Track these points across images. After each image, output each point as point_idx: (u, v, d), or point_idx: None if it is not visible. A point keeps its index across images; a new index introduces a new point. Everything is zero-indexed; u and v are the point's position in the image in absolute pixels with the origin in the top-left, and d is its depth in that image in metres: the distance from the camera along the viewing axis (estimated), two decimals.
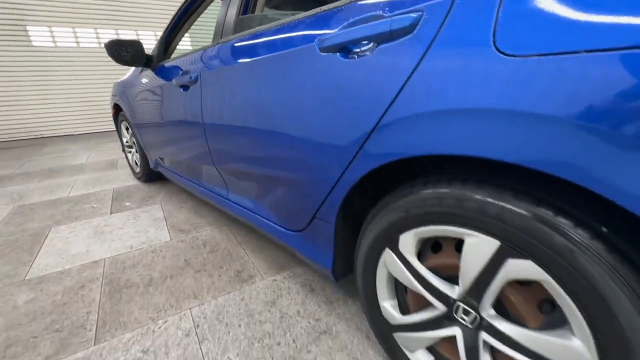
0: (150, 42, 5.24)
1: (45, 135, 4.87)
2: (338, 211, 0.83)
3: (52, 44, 4.65)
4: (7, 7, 4.25)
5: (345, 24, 0.70)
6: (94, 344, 0.97)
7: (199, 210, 1.95)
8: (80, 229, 1.75)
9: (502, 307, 0.60)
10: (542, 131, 0.43)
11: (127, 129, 2.45)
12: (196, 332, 1.00)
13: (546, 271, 0.49)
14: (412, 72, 0.57)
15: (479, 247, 0.56)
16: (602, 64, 0.38)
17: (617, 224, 0.46)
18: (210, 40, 1.78)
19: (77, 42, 4.80)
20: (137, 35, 5.19)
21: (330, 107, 0.73)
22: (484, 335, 0.61)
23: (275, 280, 1.26)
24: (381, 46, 0.63)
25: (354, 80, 0.68)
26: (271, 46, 0.91)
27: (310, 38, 0.78)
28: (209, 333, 1.00)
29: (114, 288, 1.24)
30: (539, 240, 0.48)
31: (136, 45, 1.69)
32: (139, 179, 2.57)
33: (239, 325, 1.03)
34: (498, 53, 0.46)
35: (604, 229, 0.46)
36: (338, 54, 0.71)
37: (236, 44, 1.08)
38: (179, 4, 5.34)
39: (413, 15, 0.57)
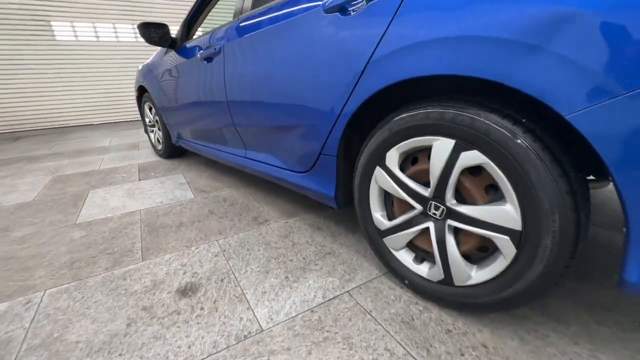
0: None
1: (69, 125, 5.17)
2: (339, 144, 1.03)
3: (74, 39, 4.94)
4: (33, 3, 4.54)
5: None
6: (142, 260, 1.20)
7: (217, 177, 2.17)
8: (115, 191, 1.99)
9: (460, 197, 0.80)
10: (474, 48, 0.63)
11: (150, 109, 2.69)
12: (223, 254, 1.22)
13: (488, 157, 0.69)
14: (391, 20, 0.77)
15: (442, 147, 0.76)
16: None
17: (535, 121, 0.66)
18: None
19: (97, 37, 5.08)
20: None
21: (335, 54, 0.93)
22: (449, 221, 0.81)
23: (287, 222, 1.47)
24: (369, 4, 0.83)
25: (351, 31, 0.88)
26: (284, 15, 1.12)
27: (315, 4, 0.98)
28: (233, 254, 1.22)
29: (151, 228, 1.46)
30: (482, 133, 0.68)
31: (164, 27, 1.92)
32: (160, 155, 2.81)
33: (258, 250, 1.24)
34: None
35: (523, 120, 0.65)
36: (338, 13, 0.91)
37: (254, 18, 1.28)
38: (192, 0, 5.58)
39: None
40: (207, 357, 0.78)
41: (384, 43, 0.79)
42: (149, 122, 2.83)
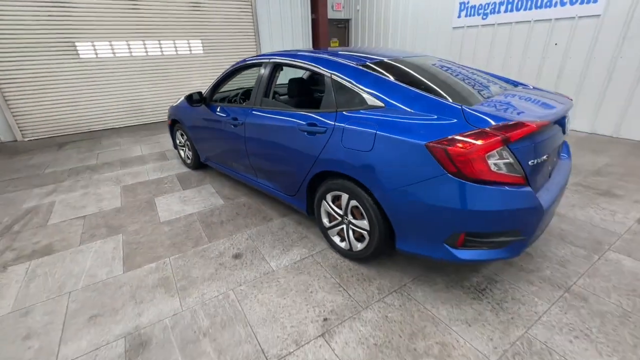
0: (166, 49, 6.36)
1: (95, 129, 6.12)
2: (307, 186, 2.17)
3: (94, 56, 5.79)
4: (60, 28, 5.36)
5: (307, 123, 2.02)
6: (209, 242, 2.35)
7: (236, 187, 3.31)
8: (171, 198, 3.11)
9: (352, 215, 1.97)
10: (347, 161, 1.78)
11: (181, 135, 3.76)
12: (250, 238, 2.38)
13: (358, 202, 1.85)
14: (325, 144, 1.91)
15: (345, 197, 1.92)
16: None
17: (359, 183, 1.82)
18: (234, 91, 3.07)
19: (114, 53, 5.93)
20: (160, 44, 6.29)
21: (305, 149, 2.06)
22: (351, 225, 1.98)
23: (282, 220, 2.64)
24: (318, 134, 1.95)
25: (311, 143, 2.01)
26: (278, 120, 2.23)
27: (295, 123, 2.10)
28: (256, 238, 2.38)
29: (206, 224, 2.61)
30: (349, 190, 1.84)
31: (200, 94, 2.98)
32: (188, 167, 3.90)
33: (268, 236, 2.41)
34: (342, 145, 1.80)
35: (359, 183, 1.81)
36: (305, 132, 2.03)
37: (261, 113, 2.39)
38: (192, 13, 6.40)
39: (324, 128, 1.90)
40: (249, 281, 1.95)
41: (323, 152, 1.93)
42: (180, 143, 3.90)
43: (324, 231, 2.21)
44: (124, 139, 5.50)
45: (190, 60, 6.74)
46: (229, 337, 1.57)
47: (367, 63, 1.98)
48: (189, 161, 3.84)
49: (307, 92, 2.82)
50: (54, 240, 2.45)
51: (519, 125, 1.42)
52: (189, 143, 3.65)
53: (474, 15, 5.77)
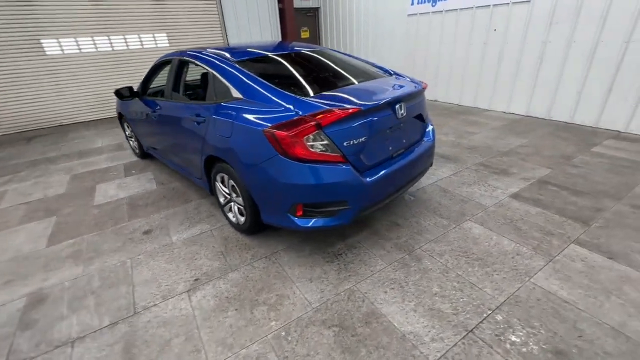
0: (137, 42, 6.58)
1: (65, 123, 6.42)
2: (205, 170, 2.46)
3: (60, 52, 6.03)
4: (24, 26, 5.60)
5: (195, 114, 2.30)
6: (129, 221, 2.67)
7: (173, 174, 3.61)
8: (111, 185, 3.42)
9: (234, 194, 2.27)
10: (223, 149, 2.07)
11: (127, 126, 4.05)
12: (165, 217, 2.70)
13: (231, 177, 2.16)
14: (206, 131, 2.19)
15: (226, 177, 2.22)
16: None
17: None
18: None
19: (79, 49, 6.17)
20: (125, 38, 6.51)
21: (194, 137, 2.35)
22: (234, 203, 2.28)
23: (200, 201, 2.94)
24: (202, 123, 2.24)
25: (198, 131, 2.29)
26: (179, 111, 2.51)
27: (189, 113, 2.39)
28: (171, 217, 2.70)
29: (131, 207, 2.93)
30: (227, 171, 2.14)
31: (130, 89, 3.25)
32: (137, 156, 4.20)
33: (181, 215, 2.72)
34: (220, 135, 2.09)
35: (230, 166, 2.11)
36: (195, 122, 2.32)
37: (169, 104, 2.67)
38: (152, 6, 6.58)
39: (204, 118, 2.19)
40: (148, 251, 2.27)
41: (206, 139, 2.21)
42: (128, 134, 4.19)
43: (221, 208, 2.51)
44: (90, 131, 5.80)
45: (156, 53, 6.95)
46: (111, 294, 1.90)
47: (241, 59, 2.25)
48: (137, 151, 4.14)
49: (205, 85, 3.11)
50: None
51: (329, 112, 1.70)
52: (133, 134, 3.94)
53: (425, 2, 5.91)
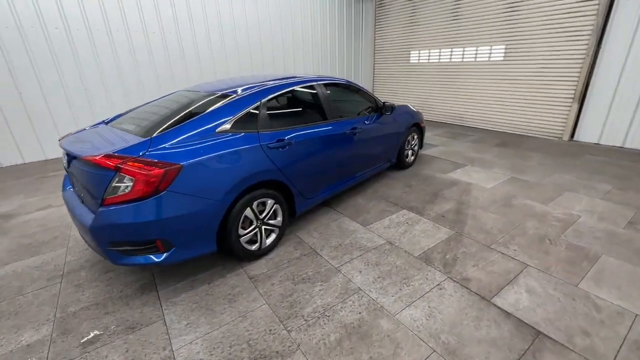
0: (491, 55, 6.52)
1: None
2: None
3: (426, 60, 7.57)
4: (402, 41, 7.55)
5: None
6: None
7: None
8: None
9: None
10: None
11: None
12: None
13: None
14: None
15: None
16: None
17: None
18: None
19: (439, 59, 7.32)
20: (477, 50, 6.61)
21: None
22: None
23: None
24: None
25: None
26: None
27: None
28: None
29: None
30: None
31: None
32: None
33: None
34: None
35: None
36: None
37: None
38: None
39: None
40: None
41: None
42: None
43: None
44: None
45: (488, 66, 6.49)
46: None
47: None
48: None
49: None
50: None
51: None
52: None
53: None
